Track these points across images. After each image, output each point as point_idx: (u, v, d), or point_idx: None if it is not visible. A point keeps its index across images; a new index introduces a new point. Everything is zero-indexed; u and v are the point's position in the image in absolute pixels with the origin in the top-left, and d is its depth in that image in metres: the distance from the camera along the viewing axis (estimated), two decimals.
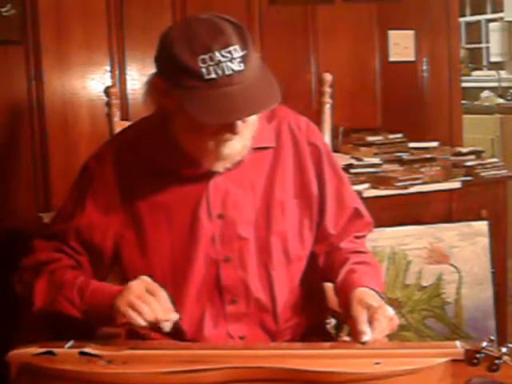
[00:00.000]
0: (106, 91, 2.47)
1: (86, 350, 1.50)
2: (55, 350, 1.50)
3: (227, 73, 1.53)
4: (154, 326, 1.55)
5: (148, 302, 1.54)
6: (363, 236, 1.88)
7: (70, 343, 1.53)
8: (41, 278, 1.68)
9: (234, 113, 1.55)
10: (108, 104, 2.44)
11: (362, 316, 1.57)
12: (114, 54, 3.08)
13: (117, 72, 3.08)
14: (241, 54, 1.55)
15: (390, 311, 1.59)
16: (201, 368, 1.42)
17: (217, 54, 1.53)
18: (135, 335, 1.62)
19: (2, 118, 2.95)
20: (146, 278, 1.59)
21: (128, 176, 1.72)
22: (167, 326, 1.55)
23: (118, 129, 2.38)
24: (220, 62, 1.53)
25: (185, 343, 1.60)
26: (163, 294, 1.57)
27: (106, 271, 1.76)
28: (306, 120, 1.85)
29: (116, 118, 2.42)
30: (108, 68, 3.07)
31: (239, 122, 1.58)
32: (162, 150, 1.71)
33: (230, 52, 1.54)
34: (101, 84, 3.02)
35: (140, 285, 1.57)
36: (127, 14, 3.08)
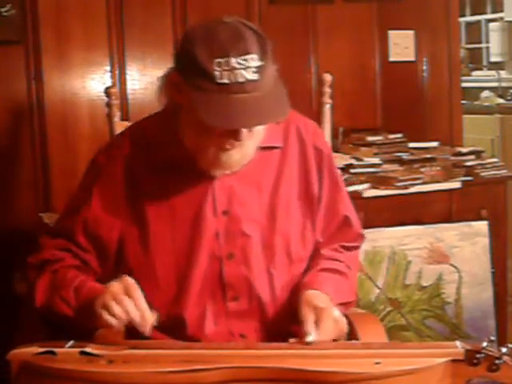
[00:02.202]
0: (106, 91, 2.47)
1: (87, 349, 1.50)
2: (55, 349, 1.50)
3: (240, 80, 1.53)
4: (131, 327, 1.54)
5: (121, 302, 1.54)
6: (353, 247, 1.88)
7: (71, 343, 1.53)
8: (43, 276, 1.69)
9: (240, 120, 1.55)
10: (108, 104, 2.44)
11: (307, 316, 1.59)
12: (114, 54, 3.07)
13: (117, 72, 3.08)
14: (257, 64, 1.55)
15: (336, 313, 1.61)
16: (201, 368, 1.42)
17: (233, 59, 1.53)
18: (135, 335, 1.62)
19: (2, 118, 2.95)
20: (126, 278, 1.58)
21: (136, 172, 1.72)
22: (146, 331, 1.54)
23: (118, 129, 2.38)
24: (234, 68, 1.53)
25: (185, 343, 1.60)
26: (139, 295, 1.55)
27: (111, 266, 1.74)
28: (313, 124, 1.86)
29: (116, 118, 2.42)
30: (108, 68, 3.07)
31: (244, 131, 1.58)
32: (170, 145, 1.71)
33: (246, 60, 1.54)
34: (101, 84, 3.01)
35: (118, 285, 1.57)
36: (127, 13, 3.07)
